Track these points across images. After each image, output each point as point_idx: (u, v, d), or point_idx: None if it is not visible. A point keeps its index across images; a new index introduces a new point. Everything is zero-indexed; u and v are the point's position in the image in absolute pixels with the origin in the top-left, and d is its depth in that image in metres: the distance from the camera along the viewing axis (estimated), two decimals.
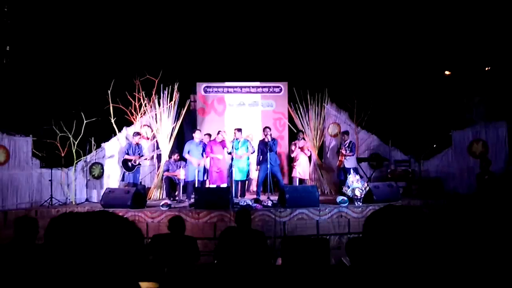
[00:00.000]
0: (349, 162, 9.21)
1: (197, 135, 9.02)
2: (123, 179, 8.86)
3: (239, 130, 9.12)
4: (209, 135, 9.64)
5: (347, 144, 9.24)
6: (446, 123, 10.13)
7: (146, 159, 9.08)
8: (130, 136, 9.47)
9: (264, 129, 8.84)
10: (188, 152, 8.83)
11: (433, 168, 9.80)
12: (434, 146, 10.52)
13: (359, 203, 7.30)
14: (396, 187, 7.93)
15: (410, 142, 10.34)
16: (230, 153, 8.77)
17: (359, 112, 10.43)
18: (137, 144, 8.96)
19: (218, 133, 9.25)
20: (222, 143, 9.15)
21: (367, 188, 7.48)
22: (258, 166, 8.90)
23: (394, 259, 1.08)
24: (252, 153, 9.16)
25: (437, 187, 8.70)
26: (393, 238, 1.10)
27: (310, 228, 6.88)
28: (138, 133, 9.12)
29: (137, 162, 8.71)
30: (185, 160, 9.04)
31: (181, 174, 8.68)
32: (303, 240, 4.88)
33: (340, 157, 9.33)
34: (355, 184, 7.47)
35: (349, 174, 7.98)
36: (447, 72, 11.54)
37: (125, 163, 8.71)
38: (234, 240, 4.34)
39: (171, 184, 9.01)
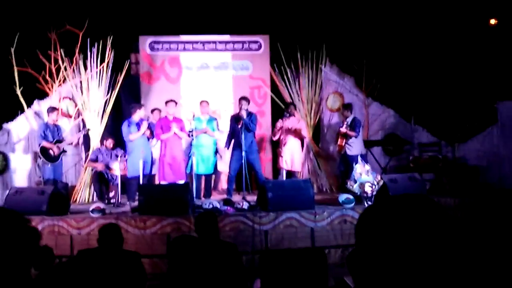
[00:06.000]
0: (354, 147, 9.23)
1: (140, 113, 8.91)
2: (44, 175, 8.85)
3: (207, 103, 9.20)
4: (159, 110, 9.57)
5: (349, 122, 9.26)
6: (489, 91, 10.26)
7: (71, 144, 9.17)
8: (44, 113, 9.42)
9: (239, 101, 8.85)
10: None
11: (472, 153, 9.92)
12: (474, 123, 10.65)
13: (369, 203, 7.36)
14: (421, 181, 8.08)
15: (440, 118, 10.46)
16: (190, 136, 8.73)
17: (369, 78, 10.50)
18: (55, 124, 8.95)
19: (167, 103, 9.07)
20: (178, 121, 9.06)
21: (381, 182, 7.58)
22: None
23: (401, 273, 1.08)
24: (219, 135, 9.27)
25: (474, 178, 8.87)
26: (395, 243, 1.09)
27: (302, 239, 6.92)
28: (54, 108, 9.07)
29: (61, 149, 8.76)
30: (123, 148, 8.95)
31: (115, 167, 8.58)
32: (291, 255, 4.91)
33: (339, 139, 9.36)
34: (364, 177, 7.57)
35: (354, 164, 8.05)
36: (492, 21, 11.62)
37: (44, 152, 8.70)
38: (193, 255, 4.31)
39: (101, 181, 8.97)
